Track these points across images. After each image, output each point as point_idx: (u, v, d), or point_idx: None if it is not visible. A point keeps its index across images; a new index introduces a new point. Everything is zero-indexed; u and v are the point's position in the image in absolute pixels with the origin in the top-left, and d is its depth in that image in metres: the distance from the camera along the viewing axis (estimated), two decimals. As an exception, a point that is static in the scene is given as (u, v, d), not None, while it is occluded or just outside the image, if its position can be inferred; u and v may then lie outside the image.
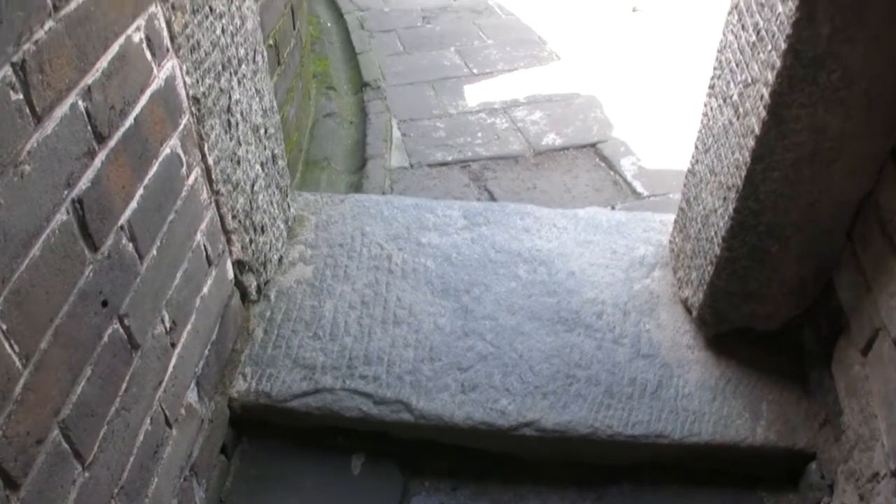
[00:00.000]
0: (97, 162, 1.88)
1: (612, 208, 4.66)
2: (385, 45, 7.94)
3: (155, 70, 2.19)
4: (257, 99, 3.05)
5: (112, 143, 1.95)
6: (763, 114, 2.35)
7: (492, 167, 5.31)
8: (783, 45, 2.19)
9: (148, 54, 2.14)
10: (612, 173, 5.16)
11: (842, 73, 2.19)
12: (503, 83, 6.77)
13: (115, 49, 1.95)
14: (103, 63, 1.89)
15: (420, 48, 7.75)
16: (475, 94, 6.55)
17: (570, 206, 4.43)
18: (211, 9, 2.54)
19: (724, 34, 2.81)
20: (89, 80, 1.83)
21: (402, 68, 7.25)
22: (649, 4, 8.42)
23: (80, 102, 1.78)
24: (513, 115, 6.10)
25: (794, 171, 2.45)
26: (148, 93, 2.15)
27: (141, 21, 2.09)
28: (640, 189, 4.94)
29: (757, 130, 2.40)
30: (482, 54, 7.44)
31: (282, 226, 3.44)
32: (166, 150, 2.29)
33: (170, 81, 2.29)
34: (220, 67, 2.63)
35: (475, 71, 7.05)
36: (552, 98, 6.38)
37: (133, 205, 2.09)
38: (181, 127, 2.38)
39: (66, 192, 1.74)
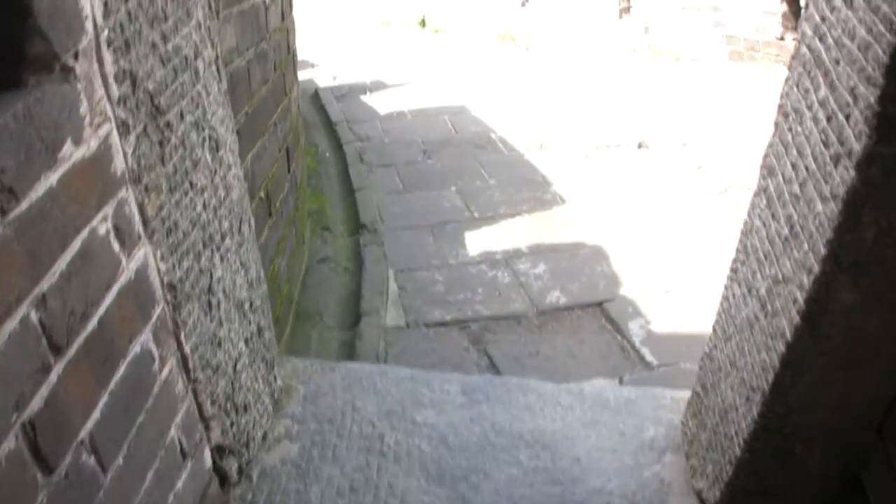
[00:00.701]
0: (53, 377, 1.66)
1: (620, 380, 4.45)
2: (384, 181, 7.84)
3: (124, 262, 1.99)
4: (242, 272, 2.86)
5: (71, 352, 1.74)
6: (796, 319, 2.16)
7: (492, 328, 5.12)
8: (822, 250, 2.00)
9: (116, 245, 1.94)
10: (619, 338, 4.95)
11: (885, 276, 2.01)
12: (505, 229, 6.65)
13: (76, 246, 1.75)
14: (61, 265, 1.68)
15: (420, 186, 7.65)
16: (476, 242, 6.41)
17: (574, 374, 4.24)
18: (191, 184, 2.35)
19: (749, 217, 2.62)
20: (44, 286, 1.61)
21: (401, 209, 7.13)
22: (655, 140, 8.35)
23: (32, 314, 1.56)
24: (515, 267, 5.94)
25: (825, 375, 2.26)
26: (115, 289, 1.95)
27: (108, 209, 1.90)
28: (649, 357, 4.71)
29: (789, 336, 2.20)
30: (484, 195, 7.33)
31: (267, 400, 3.23)
32: (136, 349, 2.08)
33: (141, 272, 2.09)
34: (200, 246, 2.44)
35: (476, 214, 6.93)
36: (556, 248, 6.24)
37: (95, 415, 1.87)
38: (154, 319, 2.18)
39: (14, 417, 1.52)
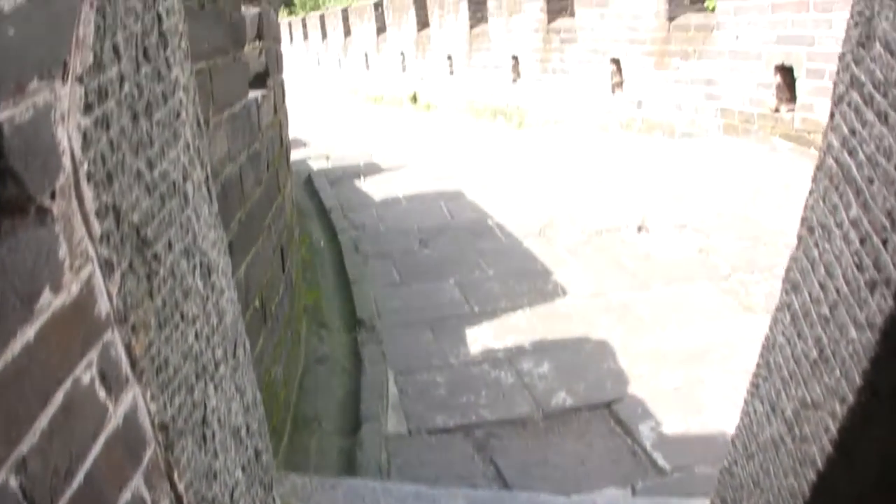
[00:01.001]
0: (35, 546, 1.51)
1: (633, 489, 4.26)
2: (380, 273, 7.75)
3: (111, 409, 1.85)
4: (238, 398, 2.72)
5: (55, 514, 1.59)
6: (829, 448, 2.03)
7: (498, 434, 4.93)
8: (858, 380, 1.88)
9: (101, 393, 1.80)
10: (629, 441, 4.75)
11: (922, 398, 1.88)
12: (507, 325, 6.54)
13: (58, 400, 1.61)
14: (42, 423, 1.54)
15: (418, 279, 7.56)
16: (477, 339, 6.29)
17: (585, 482, 4.08)
18: (182, 315, 2.22)
19: (771, 331, 2.50)
20: (24, 448, 1.47)
21: (399, 304, 7.02)
22: (655, 222, 8.26)
23: (11, 481, 1.42)
24: (518, 366, 5.78)
25: (857, 500, 2.14)
26: (102, 439, 1.80)
27: (93, 355, 1.76)
28: (661, 462, 4.50)
29: (820, 465, 2.08)
30: (483, 288, 7.24)
31: (265, 525, 3.07)
32: (126, 497, 1.93)
33: (130, 416, 1.94)
34: (193, 379, 2.30)
35: (476, 309, 6.84)
36: (560, 344, 6.09)
37: (82, 578, 1.72)
38: (145, 463, 2.03)
39: None
